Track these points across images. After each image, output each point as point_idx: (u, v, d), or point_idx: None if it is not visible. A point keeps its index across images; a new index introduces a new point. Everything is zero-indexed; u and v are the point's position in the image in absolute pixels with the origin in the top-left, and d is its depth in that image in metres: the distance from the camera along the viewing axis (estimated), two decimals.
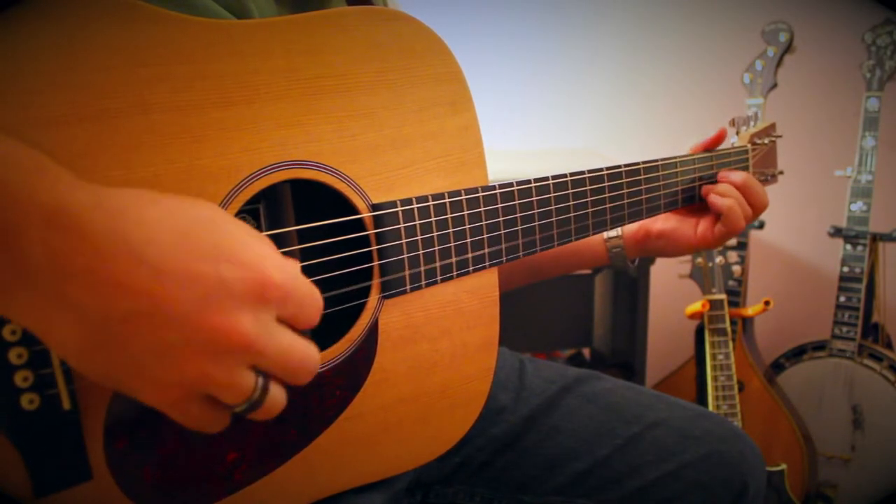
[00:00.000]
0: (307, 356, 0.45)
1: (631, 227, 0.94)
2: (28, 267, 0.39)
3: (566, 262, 0.98)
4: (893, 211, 1.87)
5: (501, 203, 0.70)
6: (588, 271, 1.72)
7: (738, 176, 0.90)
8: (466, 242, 0.67)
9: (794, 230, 2.06)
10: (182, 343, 0.41)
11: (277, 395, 0.45)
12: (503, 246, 0.70)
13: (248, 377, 0.43)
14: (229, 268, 0.42)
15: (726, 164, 0.93)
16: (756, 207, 0.90)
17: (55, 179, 0.40)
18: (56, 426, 0.46)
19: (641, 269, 1.53)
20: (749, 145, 0.97)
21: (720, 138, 0.92)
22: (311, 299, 0.46)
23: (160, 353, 0.41)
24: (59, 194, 0.40)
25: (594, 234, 0.79)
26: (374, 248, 0.62)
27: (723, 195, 0.88)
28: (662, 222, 0.92)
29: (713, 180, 0.91)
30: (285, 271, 0.44)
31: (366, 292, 0.62)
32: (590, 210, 0.77)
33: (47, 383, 0.45)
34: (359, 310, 0.62)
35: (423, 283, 0.65)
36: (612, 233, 0.94)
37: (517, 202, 0.71)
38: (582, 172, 0.76)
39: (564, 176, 0.75)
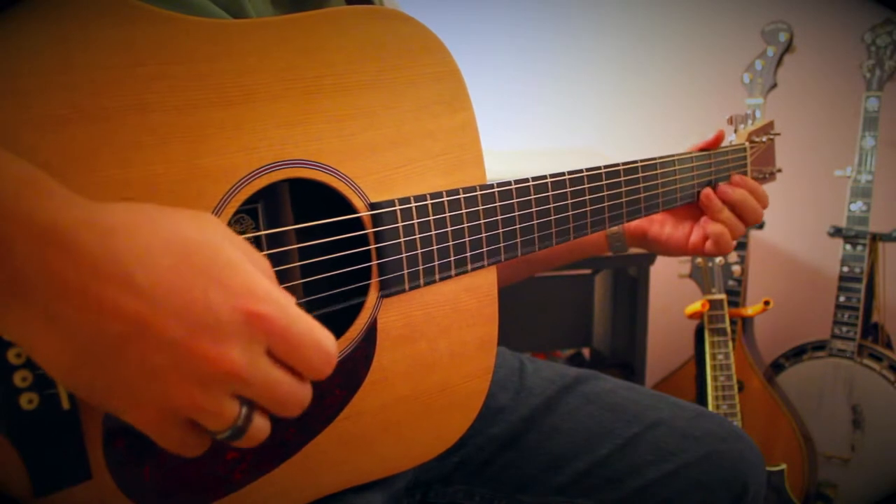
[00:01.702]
0: (297, 389, 0.45)
1: (629, 227, 0.94)
2: (19, 282, 0.39)
3: (569, 257, 0.98)
4: (893, 211, 1.87)
5: (500, 202, 0.70)
6: (588, 271, 1.72)
7: (737, 195, 0.89)
8: (465, 241, 0.67)
9: (794, 230, 2.05)
10: (169, 368, 0.41)
11: (260, 425, 0.45)
12: (501, 245, 0.70)
13: (231, 405, 0.43)
14: (218, 294, 0.41)
15: (724, 161, 0.93)
16: (748, 222, 0.90)
17: (49, 194, 0.40)
18: (55, 426, 0.46)
19: (641, 269, 1.53)
20: (747, 143, 0.97)
21: (718, 140, 0.92)
22: (308, 340, 0.44)
23: (146, 377, 0.41)
24: (53, 210, 0.39)
25: (592, 232, 0.79)
26: (372, 246, 0.62)
27: (715, 219, 0.88)
28: (658, 227, 0.93)
29: (709, 174, 0.91)
30: (275, 304, 0.43)
31: (364, 291, 0.62)
32: (588, 209, 0.77)
33: (46, 383, 0.45)
34: (357, 309, 0.62)
35: (421, 282, 0.65)
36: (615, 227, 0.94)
37: (515, 201, 0.71)
38: (580, 171, 0.76)
39: (563, 175, 0.75)
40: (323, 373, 0.45)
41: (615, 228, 0.94)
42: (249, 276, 0.43)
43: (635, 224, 0.93)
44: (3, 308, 0.39)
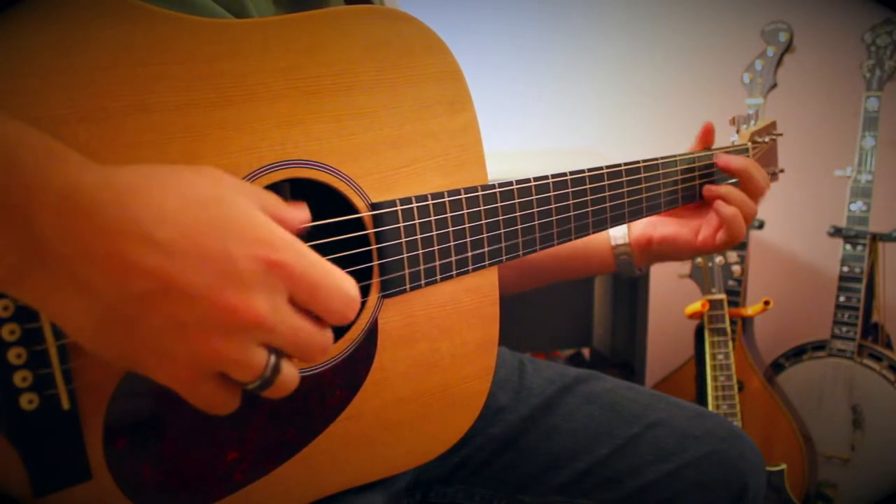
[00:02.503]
0: (316, 334, 0.45)
1: (634, 235, 0.94)
2: (41, 249, 0.39)
3: (573, 267, 0.98)
4: (893, 211, 1.87)
5: (501, 202, 0.70)
6: None
7: (738, 162, 0.88)
8: (466, 241, 0.67)
9: (794, 230, 2.05)
10: (195, 321, 0.41)
11: (289, 374, 0.45)
12: (503, 245, 0.70)
13: (259, 354, 0.43)
14: (236, 245, 0.42)
15: None
16: (757, 192, 0.89)
17: (65, 161, 0.41)
18: (55, 426, 0.46)
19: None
20: (749, 143, 0.97)
21: (707, 132, 0.91)
22: (329, 284, 0.45)
23: (173, 332, 0.41)
24: (70, 175, 0.40)
25: (594, 232, 0.79)
26: (373, 247, 0.62)
27: (727, 202, 0.87)
28: (662, 227, 0.92)
29: (711, 174, 0.91)
30: (293, 251, 0.44)
31: (365, 291, 0.62)
32: (590, 209, 0.77)
33: (46, 383, 0.45)
34: (358, 309, 0.62)
35: (422, 282, 0.65)
36: (620, 240, 0.94)
37: (517, 201, 0.71)
38: (581, 171, 0.76)
39: (564, 175, 0.75)
40: (346, 317, 0.46)
41: (624, 248, 0.93)
42: (266, 226, 0.44)
43: (638, 233, 0.93)
44: (28, 274, 0.40)
